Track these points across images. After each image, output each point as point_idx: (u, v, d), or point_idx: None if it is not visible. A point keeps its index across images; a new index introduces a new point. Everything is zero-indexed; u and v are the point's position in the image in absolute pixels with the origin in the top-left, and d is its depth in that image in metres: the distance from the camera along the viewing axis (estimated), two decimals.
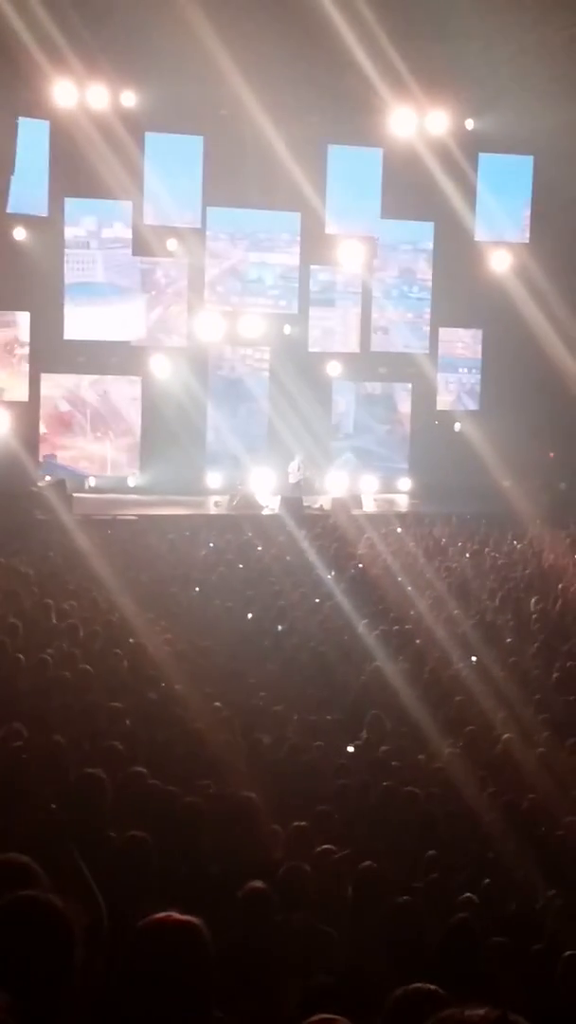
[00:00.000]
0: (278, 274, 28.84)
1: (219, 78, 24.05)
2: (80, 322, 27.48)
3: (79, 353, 27.25)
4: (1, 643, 10.34)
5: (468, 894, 6.45)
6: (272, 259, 28.73)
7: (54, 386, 27.66)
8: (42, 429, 27.41)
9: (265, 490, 26.50)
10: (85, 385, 27.79)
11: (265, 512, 24.81)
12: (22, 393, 26.96)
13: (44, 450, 27.42)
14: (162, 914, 3.03)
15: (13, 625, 11.22)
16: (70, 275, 27.57)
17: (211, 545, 19.61)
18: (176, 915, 3.02)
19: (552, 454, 28.40)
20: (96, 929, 3.62)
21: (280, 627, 14.03)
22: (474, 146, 28.03)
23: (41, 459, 27.22)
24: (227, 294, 28.71)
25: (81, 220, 27.48)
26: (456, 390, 30.27)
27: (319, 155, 27.93)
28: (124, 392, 27.89)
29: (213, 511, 25.32)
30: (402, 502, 27.98)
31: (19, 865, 3.51)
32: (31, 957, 2.82)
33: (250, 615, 14.54)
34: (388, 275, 29.64)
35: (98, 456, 27.92)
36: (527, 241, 29.28)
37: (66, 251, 27.41)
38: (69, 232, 27.30)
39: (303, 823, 6.96)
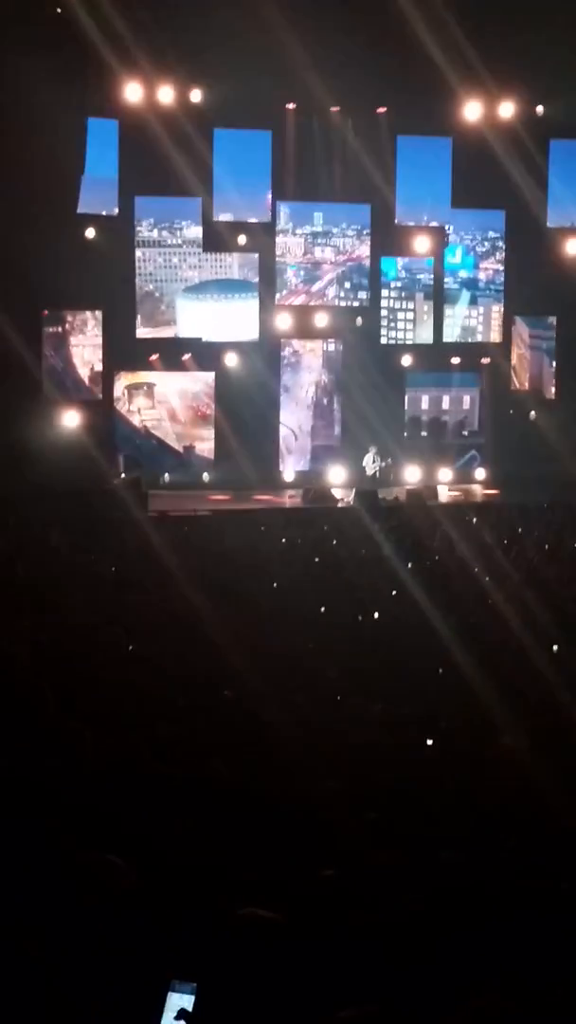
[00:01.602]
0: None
1: (286, 72, 24.09)
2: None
3: (151, 351, 27.38)
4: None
5: None
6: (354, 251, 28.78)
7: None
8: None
9: (340, 483, 26.54)
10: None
11: (340, 505, 24.81)
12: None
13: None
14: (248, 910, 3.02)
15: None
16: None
17: (283, 541, 19.60)
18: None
19: None
20: None
21: (360, 618, 14.00)
22: (545, 132, 27.79)
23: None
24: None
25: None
26: (532, 378, 30.05)
27: (388, 146, 27.85)
28: (200, 388, 27.98)
29: (288, 505, 25.34)
30: (477, 492, 27.85)
31: None
32: None
33: (323, 608, 14.51)
34: (459, 264, 29.46)
35: None
36: None
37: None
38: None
39: (377, 815, 6.90)
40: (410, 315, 29.28)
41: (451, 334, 29.47)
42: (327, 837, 6.54)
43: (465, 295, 29.44)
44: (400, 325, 29.31)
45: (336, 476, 27.06)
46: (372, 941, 4.67)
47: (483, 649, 12.11)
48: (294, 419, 28.58)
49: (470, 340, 29.52)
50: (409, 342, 29.12)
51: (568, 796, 7.92)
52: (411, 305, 29.30)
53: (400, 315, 29.28)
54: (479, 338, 29.60)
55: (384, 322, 29.12)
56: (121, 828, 5.59)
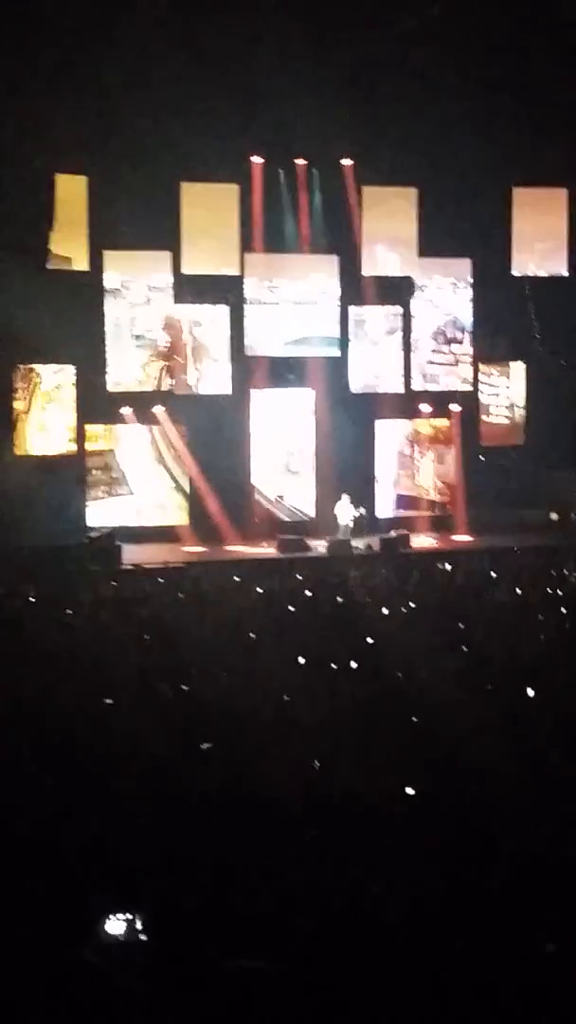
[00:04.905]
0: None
1: (252, 125, 24.42)
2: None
3: (121, 404, 27.43)
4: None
5: None
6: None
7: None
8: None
9: (314, 532, 26.64)
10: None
11: (314, 554, 24.88)
12: None
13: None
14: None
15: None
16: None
17: (259, 591, 19.61)
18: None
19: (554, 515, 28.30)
20: None
21: (335, 666, 14.00)
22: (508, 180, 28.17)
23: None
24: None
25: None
26: (500, 424, 30.17)
27: (354, 195, 28.10)
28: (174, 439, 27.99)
29: (262, 555, 25.36)
30: (453, 538, 27.97)
31: None
32: None
33: (300, 658, 14.51)
34: (428, 312, 29.61)
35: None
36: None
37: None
38: None
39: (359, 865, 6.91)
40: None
41: None
42: (310, 885, 6.57)
43: None
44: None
45: (311, 524, 27.31)
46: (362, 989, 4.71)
47: (457, 695, 12.14)
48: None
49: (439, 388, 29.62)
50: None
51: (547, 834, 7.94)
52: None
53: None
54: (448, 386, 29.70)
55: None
56: (102, 880, 5.61)
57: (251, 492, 28.20)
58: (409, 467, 29.41)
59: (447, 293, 29.46)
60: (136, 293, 27.66)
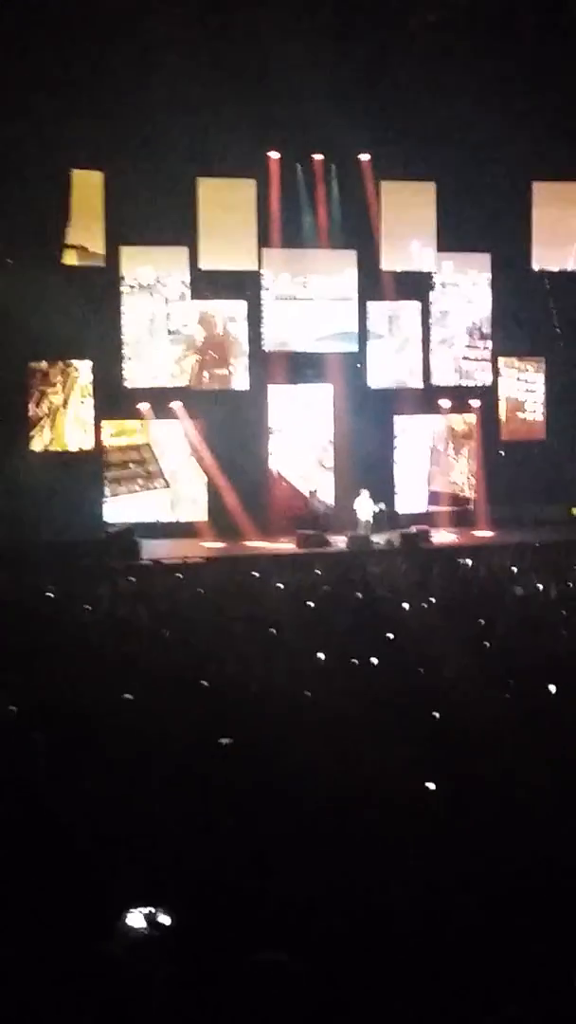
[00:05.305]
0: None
1: (269, 120, 24.34)
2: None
3: (138, 400, 27.36)
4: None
5: None
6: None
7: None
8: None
9: (334, 527, 26.58)
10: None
11: (334, 550, 24.81)
12: None
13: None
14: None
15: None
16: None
17: (280, 586, 19.54)
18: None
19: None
20: None
21: (355, 662, 13.93)
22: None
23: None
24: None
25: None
26: (536, 420, 30.03)
27: (374, 190, 28.00)
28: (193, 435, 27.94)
29: (282, 551, 25.28)
30: (474, 533, 27.88)
31: None
32: None
33: (321, 656, 14.44)
34: (447, 307, 29.51)
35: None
36: None
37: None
38: None
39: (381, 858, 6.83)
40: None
41: None
42: (331, 881, 6.49)
43: None
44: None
45: (332, 520, 27.25)
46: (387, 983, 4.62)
47: (478, 690, 12.04)
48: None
49: (460, 383, 29.50)
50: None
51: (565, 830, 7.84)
52: None
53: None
54: (470, 381, 29.58)
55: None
56: (123, 875, 5.55)
57: (272, 487, 28.17)
58: (442, 463, 29.35)
59: (482, 289, 29.36)
60: (171, 289, 27.66)
